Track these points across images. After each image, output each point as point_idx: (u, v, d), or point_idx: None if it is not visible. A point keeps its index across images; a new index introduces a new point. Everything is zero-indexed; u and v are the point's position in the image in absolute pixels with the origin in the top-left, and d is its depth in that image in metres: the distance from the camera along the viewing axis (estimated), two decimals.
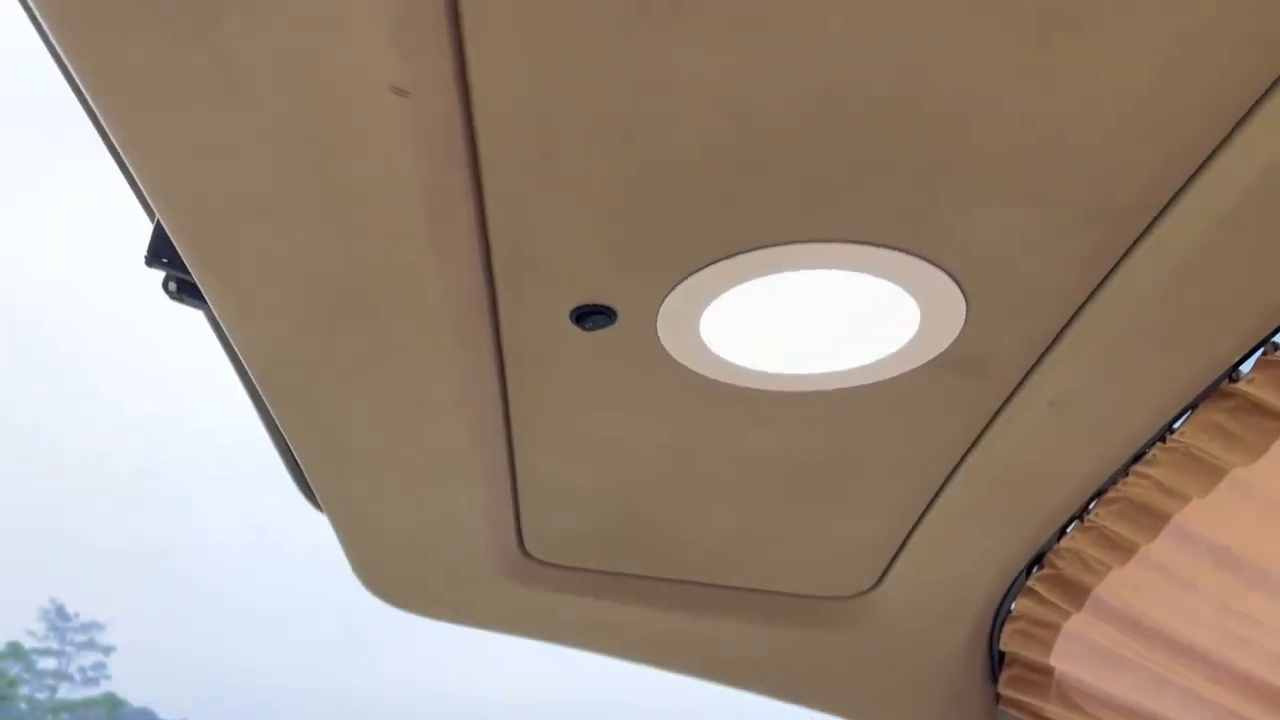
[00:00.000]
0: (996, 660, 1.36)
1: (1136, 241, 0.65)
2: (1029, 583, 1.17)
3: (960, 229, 0.65)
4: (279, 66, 0.54)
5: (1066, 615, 1.18)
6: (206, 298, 0.70)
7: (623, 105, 0.56)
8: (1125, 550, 1.05)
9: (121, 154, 0.59)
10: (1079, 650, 1.26)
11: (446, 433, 0.87)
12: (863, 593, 1.18)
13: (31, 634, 57.73)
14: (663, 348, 0.76)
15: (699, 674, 1.33)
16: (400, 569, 1.17)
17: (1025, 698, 1.36)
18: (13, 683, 55.70)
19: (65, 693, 57.95)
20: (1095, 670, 1.28)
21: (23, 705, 56.48)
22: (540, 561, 1.13)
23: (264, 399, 0.83)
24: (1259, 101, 0.56)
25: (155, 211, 0.63)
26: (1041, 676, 1.34)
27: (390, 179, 0.59)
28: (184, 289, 0.74)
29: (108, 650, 59.55)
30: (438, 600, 1.23)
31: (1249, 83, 0.55)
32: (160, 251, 0.71)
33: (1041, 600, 1.19)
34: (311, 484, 0.97)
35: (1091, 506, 1.03)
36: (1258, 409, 0.82)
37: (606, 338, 0.75)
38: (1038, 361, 0.77)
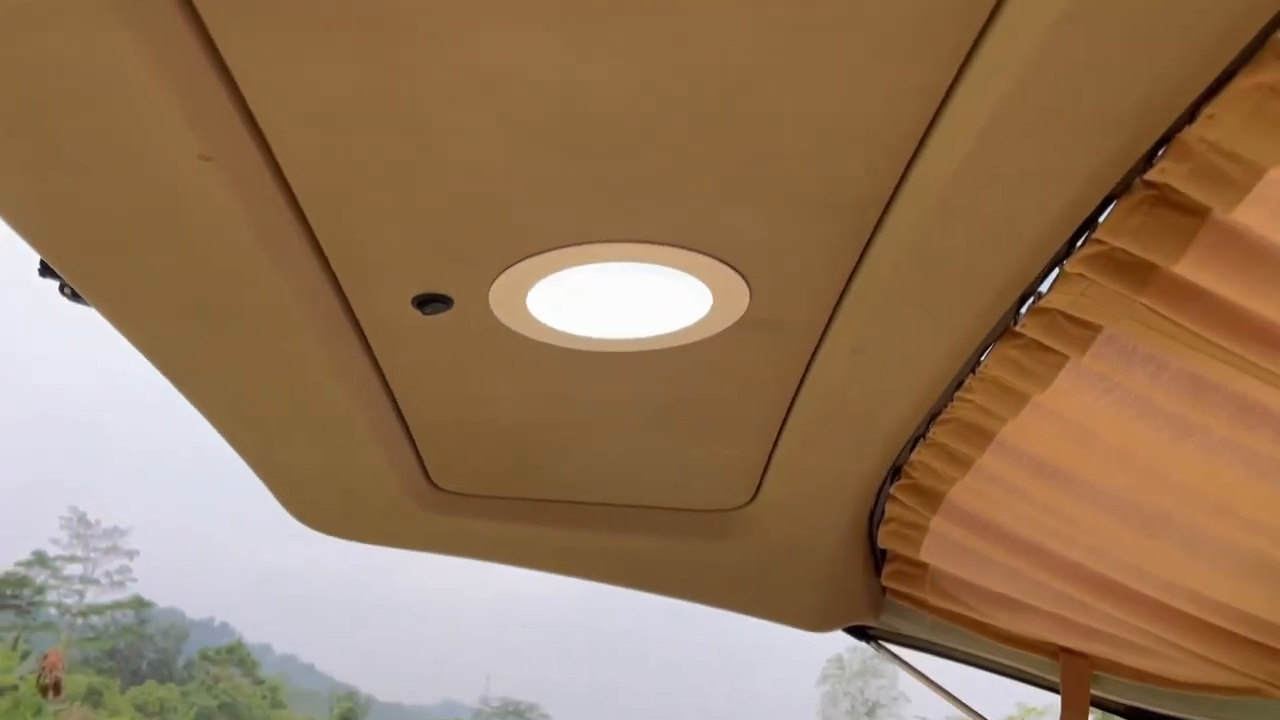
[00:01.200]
0: (880, 557, 1.50)
1: (876, 227, 0.75)
2: (891, 490, 1.30)
3: (734, 227, 0.75)
4: (106, 151, 0.65)
5: (927, 518, 1.32)
6: (91, 305, 0.81)
7: (411, 109, 0.64)
8: (963, 463, 1.18)
9: None
10: (944, 547, 1.40)
11: (334, 399, 0.98)
12: (741, 506, 1.31)
13: (55, 542, 59.20)
14: (499, 322, 0.87)
15: (606, 580, 1.48)
16: (324, 507, 1.30)
17: (906, 589, 1.51)
18: (40, 590, 57.39)
19: (93, 597, 59.74)
20: (959, 564, 1.42)
21: (53, 611, 58.32)
22: (449, 492, 1.26)
23: (168, 378, 0.94)
24: (933, 121, 0.64)
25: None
26: (918, 570, 1.49)
27: (217, 216, 0.70)
28: (77, 294, 0.84)
29: (131, 554, 61.10)
30: (363, 529, 1.37)
31: (917, 113, 0.63)
32: (48, 270, 0.82)
33: (905, 506, 1.32)
34: (229, 444, 1.09)
35: (931, 426, 1.15)
36: (1040, 347, 0.94)
37: (448, 319, 0.86)
38: (828, 321, 0.88)
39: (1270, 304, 0.77)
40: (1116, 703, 1.50)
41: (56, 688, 31.27)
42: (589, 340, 0.91)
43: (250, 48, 0.58)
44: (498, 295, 0.83)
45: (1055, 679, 1.46)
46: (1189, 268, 0.77)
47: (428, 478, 1.22)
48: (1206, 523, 1.08)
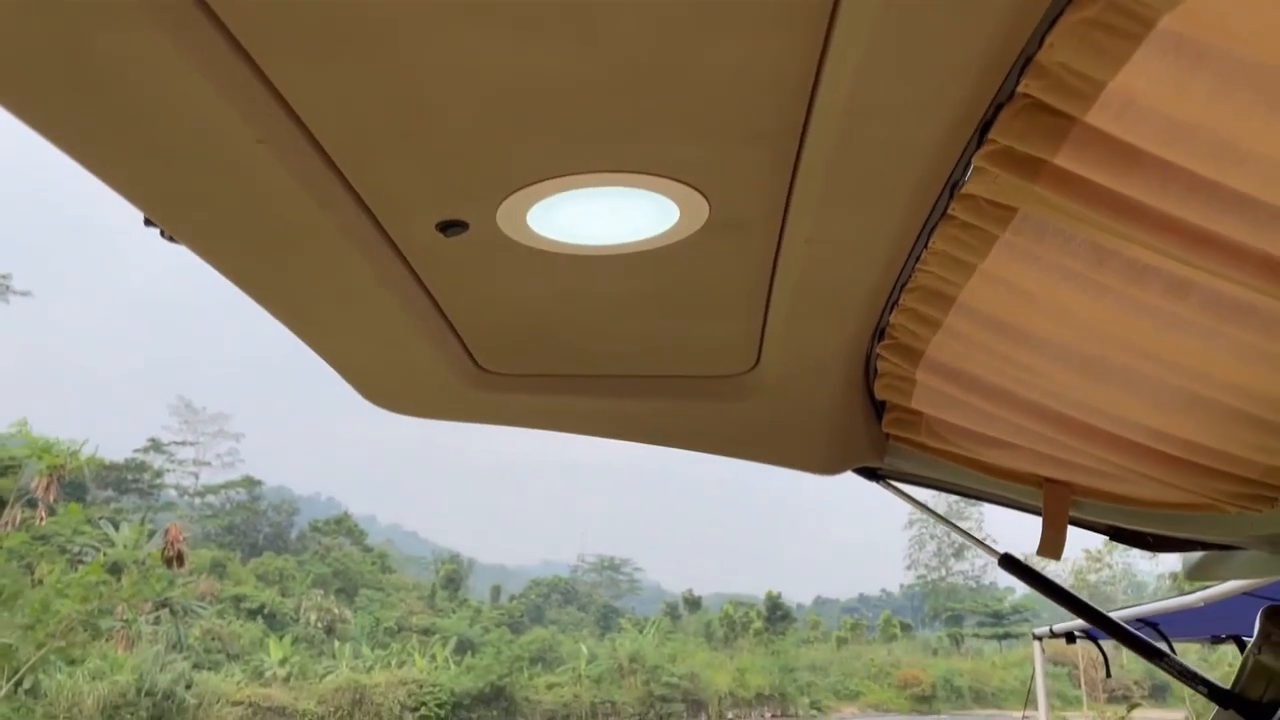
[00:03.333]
0: (880, 407, 1.69)
1: (800, 146, 0.91)
2: (878, 349, 1.49)
3: (686, 154, 0.93)
4: (186, 141, 0.85)
5: (912, 372, 1.50)
6: (185, 246, 1.03)
7: (417, 91, 0.83)
8: (933, 324, 1.35)
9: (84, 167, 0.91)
10: (932, 396, 1.58)
11: (385, 305, 1.20)
12: (746, 371, 1.51)
13: (166, 429, 62.59)
14: (508, 238, 1.07)
15: (635, 440, 1.70)
16: (389, 390, 1.53)
17: (905, 434, 1.71)
18: (159, 473, 61.13)
19: (207, 478, 63.46)
20: (948, 410, 1.60)
21: (172, 492, 62.21)
22: (492, 373, 1.48)
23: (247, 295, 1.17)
24: (820, 64, 0.80)
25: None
26: (913, 417, 1.67)
27: (272, 178, 0.90)
28: (174, 238, 1.06)
29: (238, 437, 64.44)
30: (423, 407, 1.61)
31: (805, 59, 0.80)
32: (150, 220, 1.03)
33: (891, 363, 1.50)
34: (307, 345, 1.33)
35: (902, 294, 1.32)
36: (972, 226, 1.10)
37: (466, 239, 1.06)
38: (782, 221, 1.05)
39: (1135, 187, 0.93)
40: (1093, 522, 1.69)
41: (180, 559, 33.73)
42: (582, 248, 1.10)
43: (286, 59, 0.77)
44: (503, 218, 1.03)
45: (1039, 505, 1.66)
46: (1068, 161, 0.93)
47: (474, 362, 1.44)
48: (1137, 366, 1.25)
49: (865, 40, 0.77)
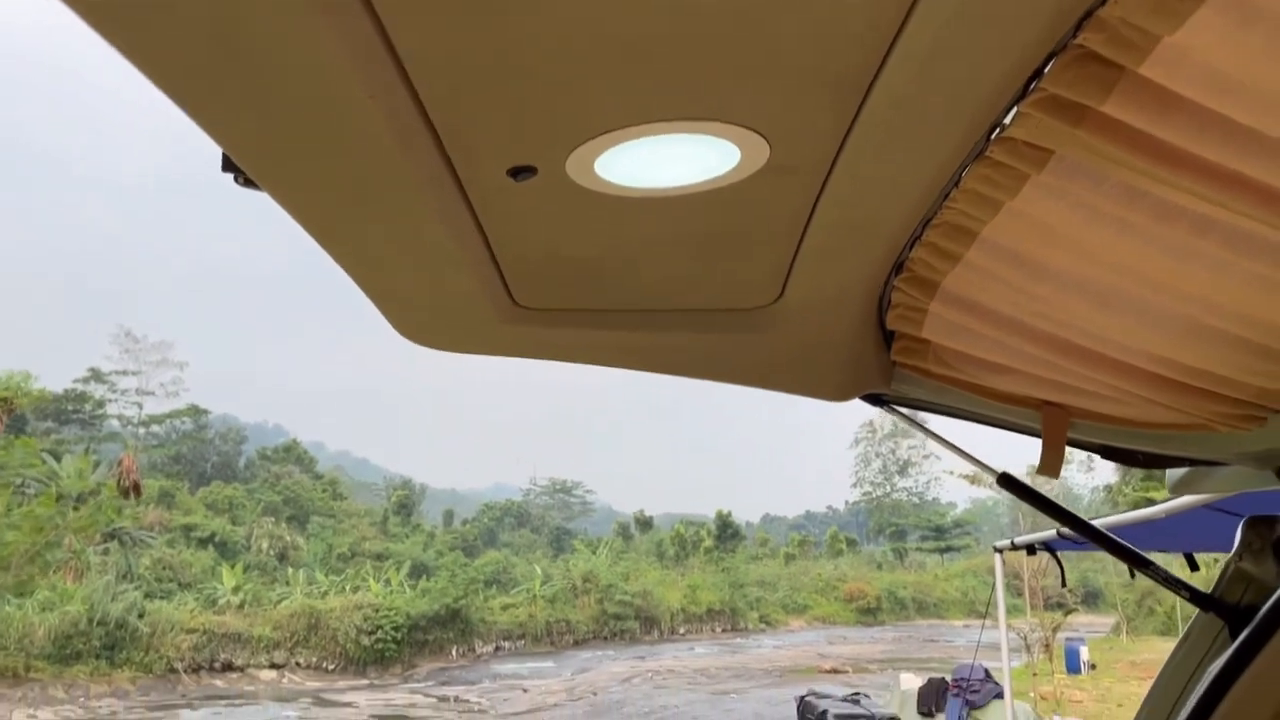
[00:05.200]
0: (889, 336, 1.77)
1: (868, 91, 0.96)
2: (896, 282, 1.55)
3: (752, 100, 0.97)
4: (282, 84, 0.87)
5: (926, 304, 1.57)
6: (266, 191, 1.06)
7: (501, 42, 0.86)
8: (953, 258, 1.41)
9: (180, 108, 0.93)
10: (942, 326, 1.65)
11: (442, 243, 1.23)
12: (770, 304, 1.56)
13: (107, 358, 61.33)
14: (575, 184, 1.10)
15: (662, 371, 1.76)
16: (425, 325, 1.57)
17: (913, 361, 1.78)
18: (101, 403, 60.06)
19: (151, 408, 62.49)
20: (955, 338, 1.68)
21: (115, 422, 61.20)
22: (527, 308, 1.52)
23: (306, 231, 1.19)
24: (908, 14, 0.84)
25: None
26: (921, 345, 1.75)
27: (362, 122, 0.93)
28: (249, 182, 1.08)
29: (182, 366, 63.36)
30: (457, 341, 1.65)
31: (888, 9, 0.83)
32: (228, 166, 1.05)
33: (907, 295, 1.57)
34: (353, 279, 1.36)
35: (926, 229, 1.38)
36: (1007, 166, 1.16)
37: (534, 183, 1.09)
38: (833, 162, 1.10)
39: (1174, 133, 0.99)
40: (1088, 442, 1.80)
41: (136, 489, 33.44)
42: (642, 191, 1.14)
43: (401, 3, 0.79)
44: (572, 165, 1.06)
45: (1039, 427, 1.75)
46: (1113, 109, 0.98)
47: (510, 297, 1.48)
48: (1147, 296, 1.33)
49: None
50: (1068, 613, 25.76)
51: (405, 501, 63.93)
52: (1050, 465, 1.73)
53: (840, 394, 1.83)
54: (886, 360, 1.79)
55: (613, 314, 1.57)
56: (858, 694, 8.65)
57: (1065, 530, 4.61)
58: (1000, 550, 6.40)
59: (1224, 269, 1.21)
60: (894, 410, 1.93)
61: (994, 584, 6.93)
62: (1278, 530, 1.66)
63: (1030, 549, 5.69)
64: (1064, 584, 6.66)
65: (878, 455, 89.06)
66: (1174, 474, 1.90)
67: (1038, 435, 1.77)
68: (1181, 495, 1.91)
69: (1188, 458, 1.75)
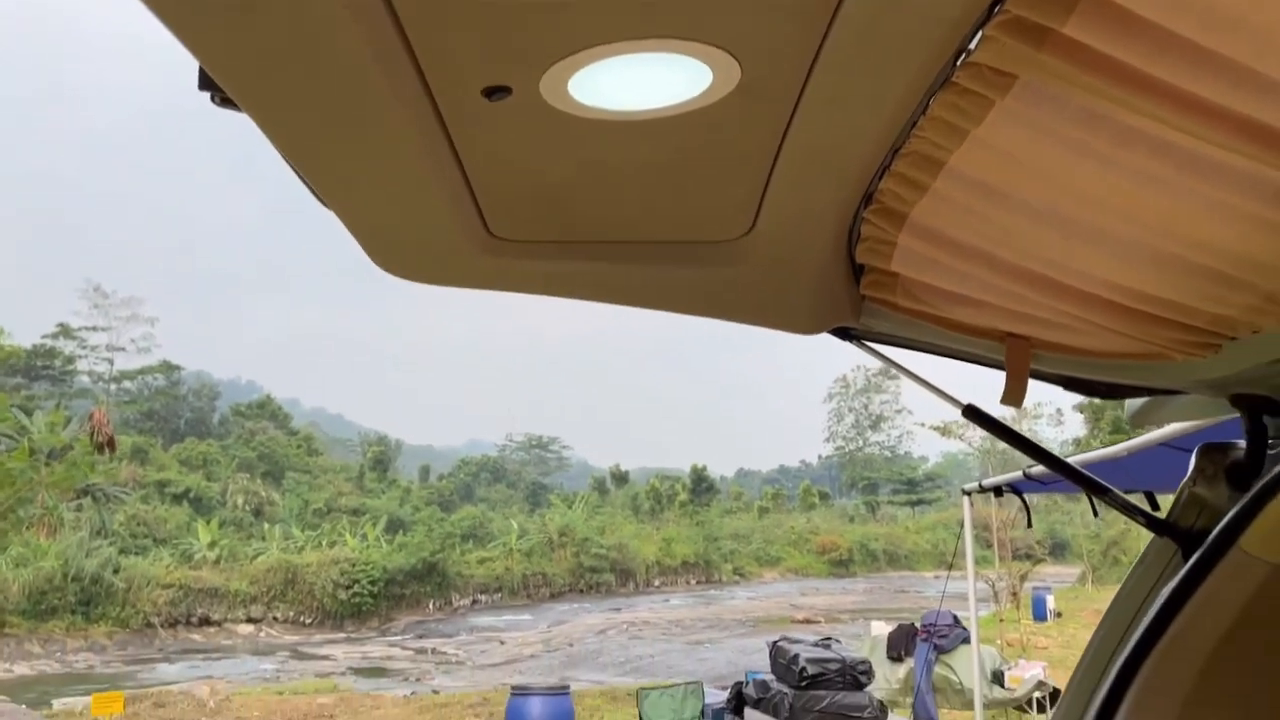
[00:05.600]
0: (858, 270, 1.80)
1: (835, 13, 0.98)
2: (865, 214, 1.58)
3: (724, 20, 0.99)
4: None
5: (895, 235, 1.60)
6: (244, 111, 1.06)
7: None
8: (921, 188, 1.44)
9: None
10: (910, 258, 1.68)
11: (416, 169, 1.24)
12: (742, 236, 1.59)
13: (76, 314, 60.59)
14: (548, 104, 1.12)
15: (635, 304, 1.79)
16: (401, 255, 1.58)
17: (881, 294, 1.81)
18: (70, 359, 59.45)
19: (122, 364, 61.95)
20: (923, 271, 1.71)
21: (86, 378, 60.66)
22: (502, 239, 1.54)
23: (282, 155, 1.20)
24: None
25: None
26: (889, 278, 1.78)
27: (347, 45, 0.94)
28: (226, 102, 1.08)
29: (152, 321, 62.75)
30: (429, 272, 1.66)
31: None
32: (205, 84, 1.05)
33: (876, 226, 1.60)
34: (332, 208, 1.37)
35: (894, 159, 1.41)
36: (972, 92, 1.18)
37: (508, 104, 1.10)
38: (803, 86, 1.12)
39: (1134, 54, 1.02)
40: (1050, 373, 1.84)
41: (110, 444, 33.15)
42: (618, 113, 1.16)
43: None
44: (546, 86, 1.07)
45: (1003, 359, 1.80)
46: (1074, 30, 1.01)
47: (485, 228, 1.50)
48: (1110, 224, 1.36)
49: None
50: (1035, 563, 26.27)
51: (381, 457, 63.95)
52: (1013, 395, 1.77)
53: (809, 327, 1.86)
54: (855, 294, 1.83)
55: (586, 245, 1.59)
56: (828, 639, 8.82)
57: (1031, 472, 4.72)
58: (968, 493, 6.52)
59: (1182, 193, 1.24)
60: (862, 345, 1.96)
61: (962, 527, 7.06)
62: (1230, 456, 1.72)
63: (997, 491, 5.80)
64: (1029, 524, 6.80)
65: (850, 410, 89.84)
66: (1133, 405, 1.95)
67: (1002, 368, 1.81)
68: (1140, 425, 1.97)
69: (1146, 387, 1.81)
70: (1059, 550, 48.75)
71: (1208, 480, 1.74)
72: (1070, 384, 1.86)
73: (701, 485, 61.57)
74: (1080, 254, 1.46)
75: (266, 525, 43.73)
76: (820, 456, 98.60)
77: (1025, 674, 9.40)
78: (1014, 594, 20.94)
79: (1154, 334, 1.59)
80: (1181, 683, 1.78)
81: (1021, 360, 1.78)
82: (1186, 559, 1.74)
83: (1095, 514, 4.82)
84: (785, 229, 1.59)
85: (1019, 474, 4.90)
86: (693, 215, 1.55)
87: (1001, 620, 19.05)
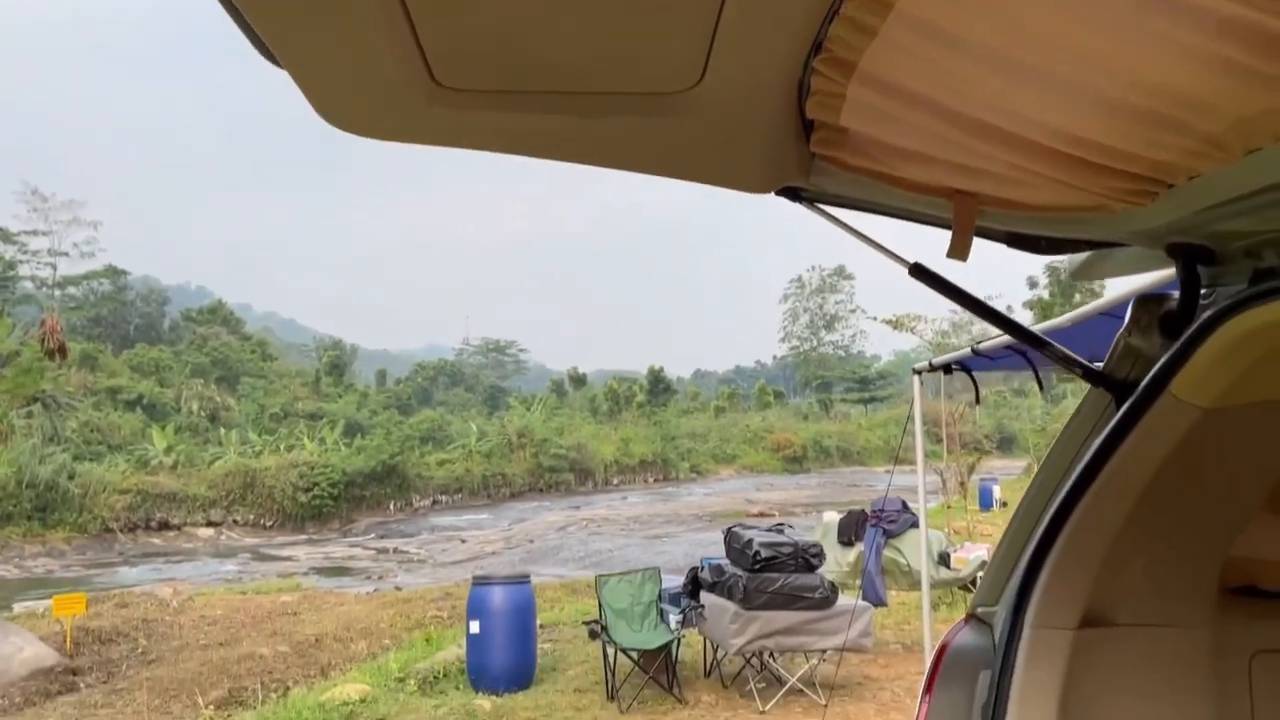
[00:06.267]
0: (809, 127, 1.80)
1: None
2: (814, 64, 1.57)
3: None
4: None
5: (844, 86, 1.60)
6: None
7: None
8: (869, 32, 1.43)
9: None
10: (860, 112, 1.69)
11: (360, 13, 1.22)
12: (691, 87, 1.58)
13: (15, 218, 58.68)
14: None
15: (580, 159, 1.78)
16: (343, 103, 1.56)
17: (831, 151, 1.82)
18: (11, 264, 57.82)
19: (66, 269, 60.39)
20: (873, 125, 1.72)
21: (28, 284, 59.11)
22: (449, 89, 1.52)
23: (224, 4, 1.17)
24: None
25: None
26: (839, 134, 1.78)
27: None
28: None
29: (95, 225, 61.03)
30: (379, 126, 1.64)
31: None
32: None
33: (826, 77, 1.59)
34: (281, 59, 1.34)
35: (842, 2, 1.40)
36: None
37: None
38: None
39: None
40: (995, 230, 1.87)
41: (62, 350, 32.53)
42: None
43: None
44: None
45: (949, 217, 1.82)
46: None
47: (431, 77, 1.48)
48: (1057, 68, 1.37)
49: None
50: (982, 455, 26.99)
51: (337, 362, 63.55)
52: (959, 250, 1.80)
53: (759, 185, 1.87)
54: (805, 151, 1.83)
55: (533, 96, 1.57)
56: (781, 525, 9.07)
57: (980, 348, 4.83)
58: (918, 372, 6.65)
59: (1128, 30, 1.25)
60: (812, 206, 1.97)
61: (911, 406, 7.23)
62: (1164, 306, 1.77)
63: (947, 368, 5.93)
64: (977, 401, 6.98)
65: (805, 310, 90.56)
66: (1075, 261, 2.00)
67: (948, 227, 1.84)
68: (1081, 279, 2.02)
69: (1087, 240, 1.85)
70: (1006, 444, 50.06)
71: (1142, 330, 1.80)
72: (1014, 240, 1.90)
73: (659, 386, 62.11)
74: (1026, 100, 1.47)
75: (223, 430, 43.51)
76: (775, 357, 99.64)
77: (970, 555, 9.76)
78: (962, 484, 21.57)
79: (1095, 183, 1.62)
80: (1112, 522, 1.87)
81: (967, 216, 1.80)
82: (1120, 407, 1.81)
83: (1041, 387, 4.96)
84: (734, 80, 1.58)
85: (968, 350, 5.00)
86: (641, 63, 1.54)
87: (949, 508, 19.67)
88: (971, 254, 1.86)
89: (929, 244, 2.02)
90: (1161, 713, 2.05)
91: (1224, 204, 1.51)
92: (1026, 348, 4.40)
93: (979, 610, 2.12)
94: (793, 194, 1.97)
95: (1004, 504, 24.70)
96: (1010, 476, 35.46)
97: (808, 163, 1.86)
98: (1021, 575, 1.90)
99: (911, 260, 1.93)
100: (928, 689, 2.07)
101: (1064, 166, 1.60)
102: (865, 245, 1.95)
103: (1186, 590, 2.06)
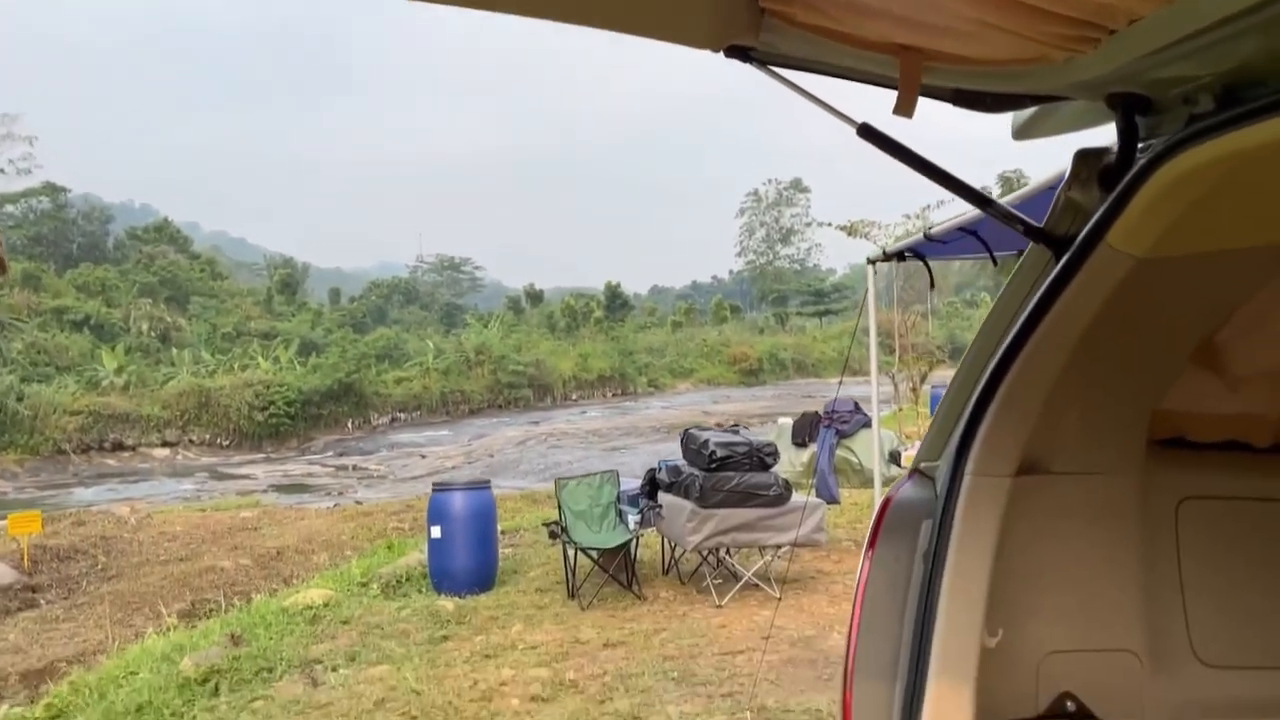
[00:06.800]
0: None
1: None
2: None
3: None
4: None
5: None
6: None
7: None
8: None
9: None
10: None
11: None
12: None
13: None
14: None
15: (529, 12, 1.75)
16: None
17: (780, 6, 1.82)
18: None
19: (2, 185, 58.39)
20: None
21: None
22: None
23: None
24: None
25: None
26: None
27: None
28: None
29: (31, 140, 58.85)
30: None
31: None
32: None
33: None
34: None
35: None
36: None
37: None
38: None
39: None
40: (942, 87, 1.89)
41: (2, 268, 31.70)
42: None
43: None
44: None
45: (895, 75, 1.83)
46: None
47: None
48: None
49: None
50: (934, 364, 27.43)
51: (289, 280, 62.61)
52: (905, 107, 1.82)
53: (707, 41, 1.86)
54: (755, 6, 1.82)
55: None
56: (736, 426, 9.22)
57: (932, 233, 4.88)
58: (872, 261, 6.70)
59: None
60: (762, 66, 1.97)
61: (865, 292, 7.32)
62: (1104, 159, 1.81)
63: (900, 256, 5.98)
64: (931, 285, 7.09)
65: (761, 224, 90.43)
66: (1018, 119, 2.03)
67: (895, 87, 1.85)
68: (1024, 138, 2.04)
69: (1030, 95, 1.87)
70: (957, 354, 50.86)
71: (1081, 184, 1.84)
72: (959, 98, 1.91)
73: (616, 302, 62.08)
74: None
75: (175, 350, 42.91)
76: (732, 272, 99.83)
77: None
78: (914, 390, 21.96)
79: (1038, 30, 1.64)
80: (1050, 373, 1.93)
81: (913, 72, 1.82)
82: (1059, 261, 1.86)
83: (994, 263, 5.04)
84: None
85: (920, 235, 5.04)
86: None
87: (901, 412, 20.07)
88: (920, 118, 1.88)
89: (878, 106, 2.03)
90: (1092, 556, 2.16)
91: (1163, 49, 1.53)
92: (978, 227, 4.46)
93: (922, 465, 2.19)
94: (742, 54, 1.96)
95: None
96: None
97: (757, 19, 1.85)
98: (964, 427, 1.96)
99: (860, 121, 1.94)
100: (871, 543, 2.15)
101: (1006, 12, 1.62)
102: (813, 105, 1.95)
103: (1118, 440, 2.14)
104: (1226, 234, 1.80)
